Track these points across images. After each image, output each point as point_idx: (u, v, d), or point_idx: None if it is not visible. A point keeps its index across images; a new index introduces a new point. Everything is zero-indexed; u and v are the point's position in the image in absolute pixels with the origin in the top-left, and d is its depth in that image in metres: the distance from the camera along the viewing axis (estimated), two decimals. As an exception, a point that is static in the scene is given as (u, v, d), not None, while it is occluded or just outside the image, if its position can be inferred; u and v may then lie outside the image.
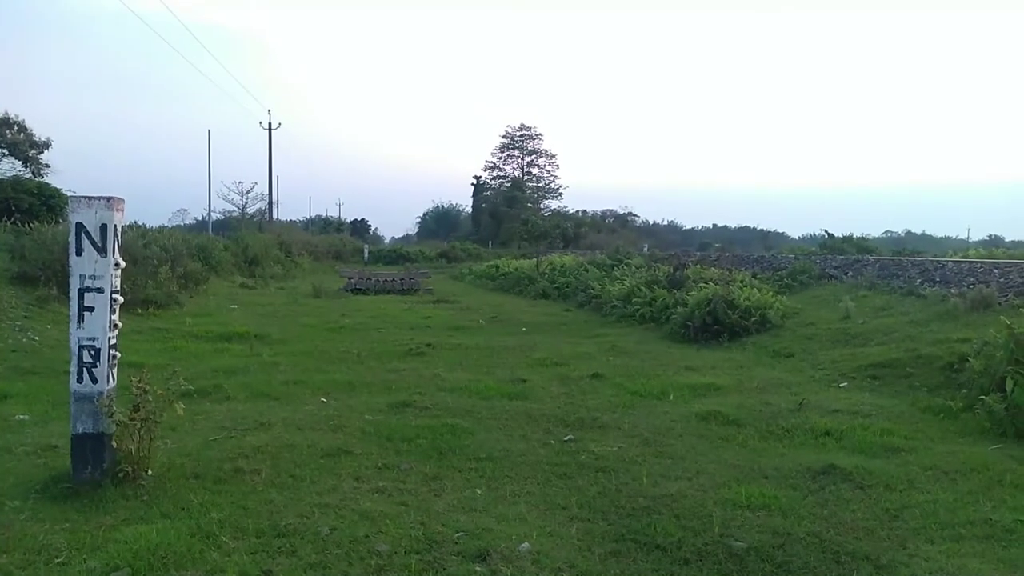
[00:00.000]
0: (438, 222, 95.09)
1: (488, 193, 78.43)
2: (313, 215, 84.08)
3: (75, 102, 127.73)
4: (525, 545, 3.92)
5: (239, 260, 27.07)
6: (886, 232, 72.03)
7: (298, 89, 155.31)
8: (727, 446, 6.14)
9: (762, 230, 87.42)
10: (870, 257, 18.32)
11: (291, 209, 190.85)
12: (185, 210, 67.51)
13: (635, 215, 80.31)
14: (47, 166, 31.54)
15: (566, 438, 6.29)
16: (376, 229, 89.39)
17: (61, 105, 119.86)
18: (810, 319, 12.85)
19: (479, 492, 4.87)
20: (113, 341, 4.82)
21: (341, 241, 51.09)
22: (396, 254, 50.59)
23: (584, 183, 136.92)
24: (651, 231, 72.23)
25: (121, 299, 4.92)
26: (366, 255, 45.38)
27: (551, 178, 77.77)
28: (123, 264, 4.91)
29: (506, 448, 5.91)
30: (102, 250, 4.66)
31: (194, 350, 10.92)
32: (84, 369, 4.68)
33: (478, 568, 3.66)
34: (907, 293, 13.10)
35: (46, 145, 31.69)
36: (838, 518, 4.45)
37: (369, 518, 4.27)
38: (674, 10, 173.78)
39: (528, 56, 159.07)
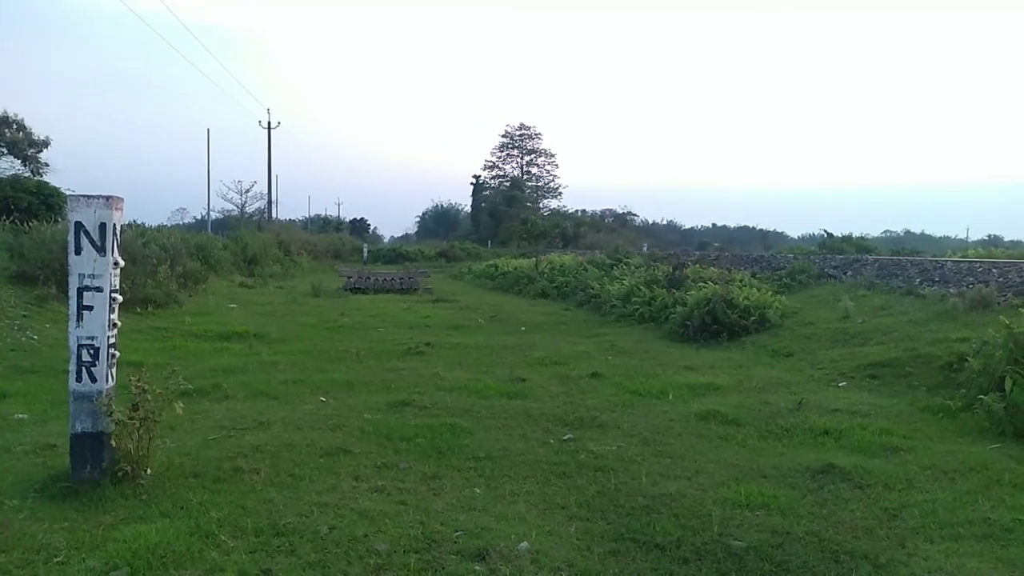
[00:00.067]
0: (437, 221, 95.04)
1: (487, 192, 78.48)
2: (312, 214, 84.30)
3: (75, 101, 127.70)
4: (524, 544, 3.92)
5: (238, 259, 27.07)
6: (885, 232, 72.29)
7: (298, 89, 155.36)
8: (726, 445, 6.14)
9: (761, 230, 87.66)
10: (869, 257, 18.32)
11: (290, 208, 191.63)
12: (184, 209, 67.30)
13: (634, 215, 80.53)
14: (46, 165, 31.68)
15: (565, 437, 6.29)
16: (375, 228, 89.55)
17: (61, 104, 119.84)
18: (809, 319, 12.85)
19: (478, 491, 4.87)
20: (112, 340, 4.82)
21: (340, 240, 51.03)
22: (395, 253, 50.45)
23: (583, 183, 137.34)
24: (650, 231, 72.32)
25: (120, 298, 4.92)
26: (365, 254, 45.36)
27: (550, 178, 78.02)
28: (122, 263, 4.91)
29: (505, 447, 5.91)
30: (101, 249, 4.66)
31: (193, 349, 10.92)
32: (83, 368, 4.68)
33: (477, 567, 3.66)
34: (906, 293, 13.10)
35: (45, 144, 31.76)
36: (837, 517, 4.45)
37: (368, 517, 4.27)
38: (674, 10, 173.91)
39: (528, 56, 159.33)
